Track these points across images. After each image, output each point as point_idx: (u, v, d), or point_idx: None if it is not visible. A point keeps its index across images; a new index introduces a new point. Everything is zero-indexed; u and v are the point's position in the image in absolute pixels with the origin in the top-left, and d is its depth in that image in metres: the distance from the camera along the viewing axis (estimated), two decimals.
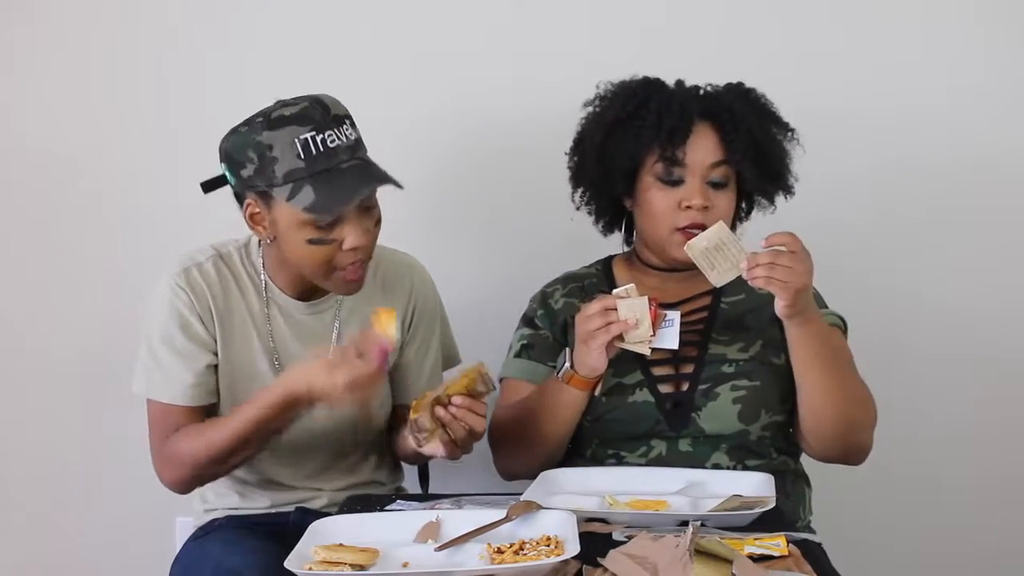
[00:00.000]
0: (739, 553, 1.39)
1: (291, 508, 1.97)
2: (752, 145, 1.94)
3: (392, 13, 2.43)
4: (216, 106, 2.43)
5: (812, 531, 1.76)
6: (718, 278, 1.80)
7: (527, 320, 2.06)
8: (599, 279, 2.06)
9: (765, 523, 1.59)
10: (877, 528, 2.52)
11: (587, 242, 2.13)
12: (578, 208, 2.07)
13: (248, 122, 1.81)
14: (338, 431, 1.97)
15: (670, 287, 1.96)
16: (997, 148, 2.46)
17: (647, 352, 1.83)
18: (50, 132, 2.45)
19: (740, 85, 2.00)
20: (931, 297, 2.49)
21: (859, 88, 2.43)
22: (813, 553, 1.52)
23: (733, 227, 2.05)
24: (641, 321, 1.80)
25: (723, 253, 1.78)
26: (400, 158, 2.44)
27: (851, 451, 1.93)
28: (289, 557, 1.44)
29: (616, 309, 1.80)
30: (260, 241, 1.94)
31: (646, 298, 1.81)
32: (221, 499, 2.02)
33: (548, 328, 2.03)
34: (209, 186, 1.87)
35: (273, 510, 1.99)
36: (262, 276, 1.95)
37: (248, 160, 1.79)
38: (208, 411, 1.93)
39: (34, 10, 2.43)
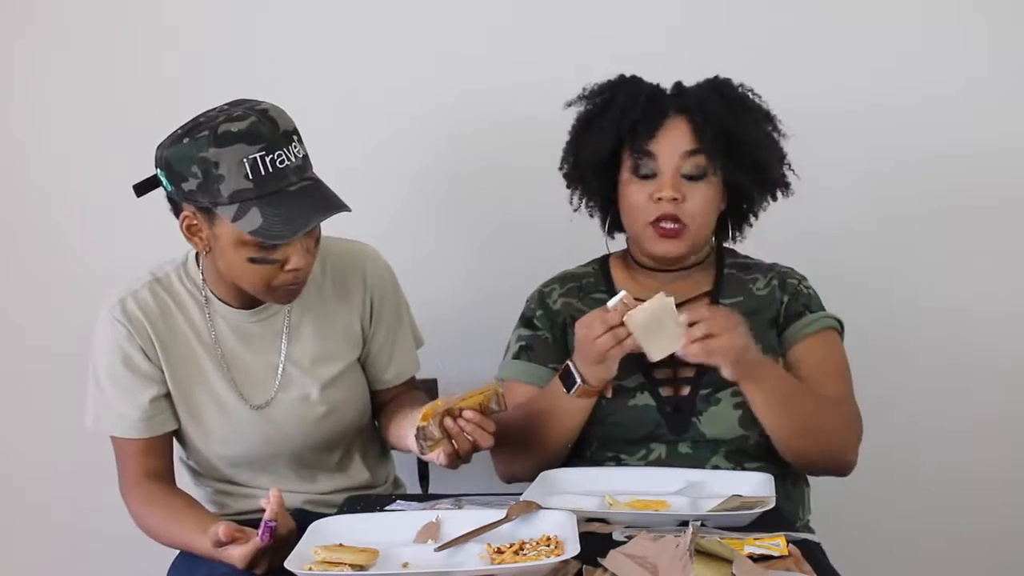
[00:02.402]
0: (739, 553, 1.39)
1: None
2: (722, 132, 1.91)
3: (392, 14, 2.43)
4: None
5: (812, 531, 1.76)
6: (656, 352, 1.76)
7: (525, 321, 2.05)
8: (596, 278, 2.05)
9: (765, 523, 1.59)
10: (877, 528, 2.52)
11: (586, 242, 2.12)
12: (576, 209, 2.07)
13: (190, 133, 1.72)
14: (306, 438, 1.96)
15: (666, 287, 1.94)
16: (998, 149, 2.46)
17: (679, 348, 1.76)
18: (50, 131, 2.45)
19: (715, 78, 1.99)
20: (930, 299, 2.49)
21: (859, 89, 2.43)
22: (813, 553, 1.52)
23: (733, 236, 2.05)
24: (664, 322, 1.74)
25: (662, 328, 1.74)
26: (400, 158, 2.47)
27: (832, 469, 1.94)
28: (289, 557, 1.45)
29: (621, 325, 1.75)
30: (198, 254, 1.91)
31: (663, 299, 1.75)
32: (219, 508, 2.01)
33: (547, 329, 2.01)
34: (142, 189, 1.82)
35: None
36: (203, 291, 1.92)
37: (191, 175, 1.71)
38: (170, 437, 1.93)
39: (34, 10, 2.43)
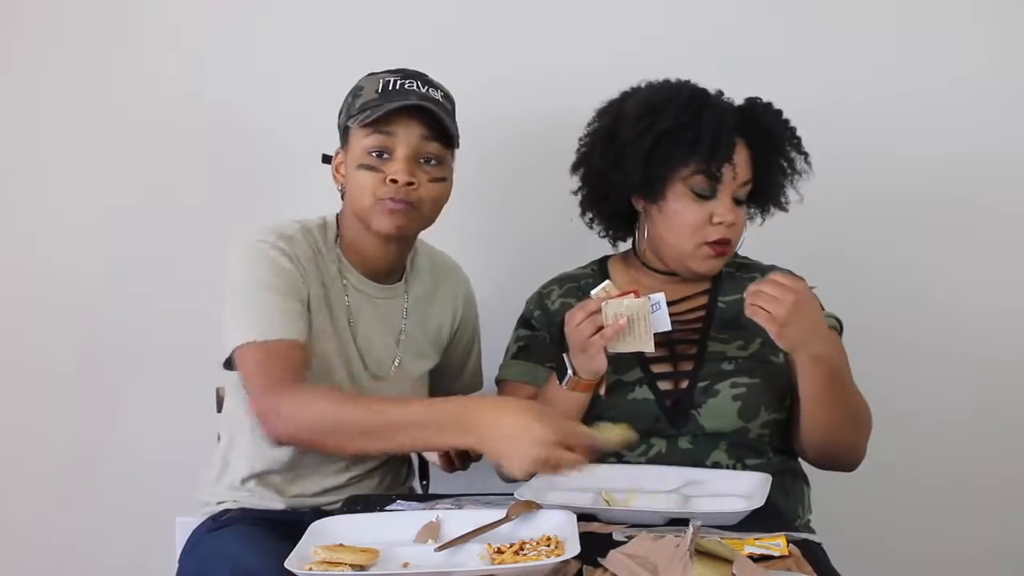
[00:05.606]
0: (739, 553, 1.39)
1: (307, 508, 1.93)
2: (779, 169, 1.97)
3: (393, 12, 2.43)
4: (216, 108, 2.44)
5: (812, 531, 1.76)
6: (616, 346, 1.81)
7: (524, 322, 2.06)
8: (595, 280, 2.05)
9: (765, 523, 1.59)
10: (877, 528, 2.52)
11: (586, 243, 2.13)
12: (583, 215, 2.07)
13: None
14: None
15: (668, 288, 1.95)
16: (999, 146, 2.46)
17: (650, 349, 1.82)
18: (47, 133, 2.45)
19: (770, 105, 1.99)
20: (931, 296, 2.49)
21: (859, 88, 2.43)
22: (813, 553, 1.52)
23: None
24: (635, 320, 1.80)
25: (631, 327, 1.79)
26: None
27: (845, 463, 1.96)
28: (289, 557, 1.44)
29: (600, 312, 1.79)
30: (338, 220, 1.97)
31: (633, 297, 1.80)
32: (231, 492, 1.96)
33: (545, 329, 2.03)
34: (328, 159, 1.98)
35: (288, 508, 1.95)
36: (337, 253, 1.95)
37: (345, 104, 1.92)
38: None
39: (34, 10, 2.43)
